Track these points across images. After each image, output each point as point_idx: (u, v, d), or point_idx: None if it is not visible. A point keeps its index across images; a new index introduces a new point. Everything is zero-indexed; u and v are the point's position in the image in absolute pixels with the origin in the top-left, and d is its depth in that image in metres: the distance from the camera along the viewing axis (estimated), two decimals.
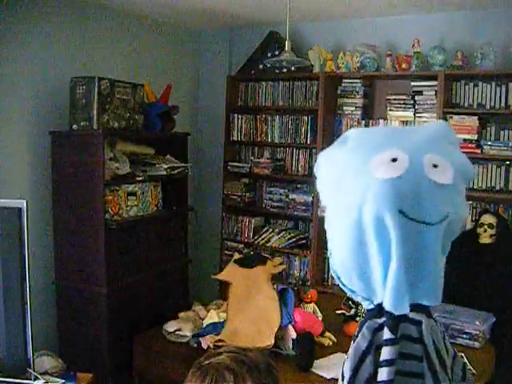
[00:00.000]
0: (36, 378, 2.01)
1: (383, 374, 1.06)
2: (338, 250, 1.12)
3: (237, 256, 3.23)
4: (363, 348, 1.09)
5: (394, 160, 1.04)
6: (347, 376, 1.09)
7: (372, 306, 1.13)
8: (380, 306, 1.10)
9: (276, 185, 4.54)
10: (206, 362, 1.15)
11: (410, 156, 1.05)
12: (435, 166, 1.06)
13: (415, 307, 1.08)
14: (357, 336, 1.12)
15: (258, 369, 1.15)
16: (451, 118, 3.68)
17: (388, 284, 1.05)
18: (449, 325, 2.70)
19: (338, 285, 1.17)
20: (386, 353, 1.07)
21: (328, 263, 4.28)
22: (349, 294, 1.17)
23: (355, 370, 1.08)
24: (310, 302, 2.86)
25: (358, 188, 1.06)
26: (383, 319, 1.10)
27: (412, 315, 1.09)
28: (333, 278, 4.27)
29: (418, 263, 1.05)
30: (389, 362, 1.06)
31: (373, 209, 1.02)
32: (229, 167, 4.67)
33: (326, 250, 4.23)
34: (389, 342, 1.07)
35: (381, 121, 4.04)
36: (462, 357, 1.25)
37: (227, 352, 1.18)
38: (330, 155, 1.18)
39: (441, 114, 3.68)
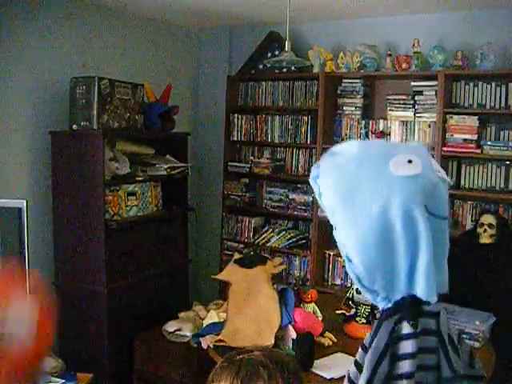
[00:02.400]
0: None
1: (405, 366, 1.09)
2: (360, 252, 1.14)
3: (237, 256, 3.23)
4: (381, 348, 1.11)
5: (410, 161, 1.13)
6: (366, 375, 1.10)
7: (389, 305, 1.15)
8: (397, 302, 1.13)
9: (276, 185, 4.54)
10: (238, 356, 1.17)
11: (420, 158, 1.15)
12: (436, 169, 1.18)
13: None
14: (374, 336, 1.13)
15: (288, 368, 1.16)
16: (451, 117, 3.68)
17: (420, 273, 1.09)
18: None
19: (350, 288, 1.20)
20: (407, 346, 1.10)
21: (328, 263, 4.28)
22: (368, 297, 1.18)
23: (374, 371, 1.10)
24: (310, 302, 2.85)
25: (380, 187, 1.11)
26: (399, 315, 1.12)
27: (429, 308, 1.12)
28: (333, 277, 4.25)
29: (435, 257, 1.11)
30: (410, 356, 1.09)
31: (401, 203, 1.08)
32: (229, 167, 4.67)
33: (326, 249, 4.22)
34: (409, 336, 1.10)
35: (381, 121, 4.04)
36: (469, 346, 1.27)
37: (258, 350, 1.20)
38: (335, 163, 1.21)
39: (441, 114, 3.68)
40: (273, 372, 1.14)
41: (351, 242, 1.15)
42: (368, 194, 1.12)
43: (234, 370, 1.14)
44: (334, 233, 1.20)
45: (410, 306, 1.12)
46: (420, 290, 1.10)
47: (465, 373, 1.18)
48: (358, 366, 1.16)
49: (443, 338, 1.13)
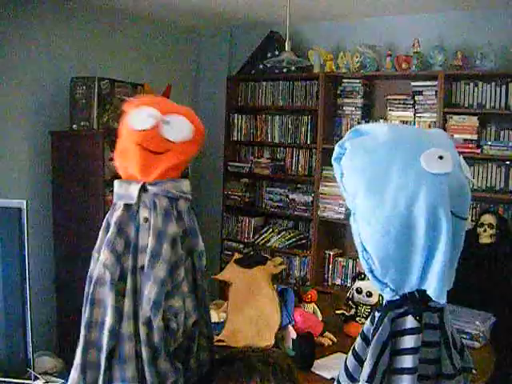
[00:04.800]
0: (36, 378, 2.01)
1: (407, 361, 1.07)
2: (377, 243, 1.11)
3: (237, 256, 3.22)
4: (384, 339, 1.10)
5: (441, 158, 1.11)
6: (368, 369, 1.09)
7: (396, 297, 1.13)
8: (404, 296, 1.12)
9: (276, 185, 4.54)
10: (232, 357, 1.17)
11: (451, 155, 1.13)
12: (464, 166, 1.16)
13: None
14: (378, 327, 1.11)
15: (281, 370, 1.17)
16: (451, 118, 3.68)
17: (435, 273, 1.08)
18: None
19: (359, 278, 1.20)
20: (409, 341, 1.09)
21: (328, 263, 4.28)
22: (377, 287, 1.15)
23: (377, 363, 1.09)
24: (310, 302, 2.85)
25: (409, 180, 1.09)
26: (403, 309, 1.11)
27: (434, 304, 1.11)
28: (333, 277, 4.22)
29: (450, 258, 1.11)
30: (413, 350, 1.08)
31: (428, 200, 1.06)
32: (229, 167, 4.67)
33: (326, 249, 4.19)
34: (413, 331, 1.09)
35: (381, 121, 4.03)
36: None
37: (252, 351, 1.20)
38: (365, 146, 1.17)
39: (441, 114, 3.68)
40: (265, 374, 1.14)
41: (370, 231, 1.11)
42: (395, 184, 1.09)
43: (227, 372, 1.14)
44: (351, 219, 1.16)
45: (417, 301, 1.10)
46: (431, 290, 1.09)
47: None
48: (357, 357, 1.14)
49: (446, 333, 1.13)
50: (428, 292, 1.09)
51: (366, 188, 1.12)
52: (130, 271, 1.48)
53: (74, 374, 1.46)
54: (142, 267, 1.48)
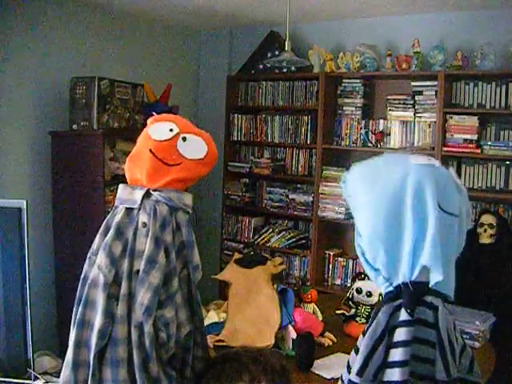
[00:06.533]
0: (36, 378, 2.01)
1: (397, 354, 1.08)
2: (368, 221, 1.16)
3: (237, 256, 3.22)
4: (378, 334, 1.10)
5: (429, 159, 1.21)
6: (359, 363, 1.09)
7: (391, 289, 1.14)
8: (399, 288, 1.13)
9: (276, 185, 4.54)
10: (223, 358, 1.17)
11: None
12: None
13: (433, 292, 1.12)
14: (372, 320, 1.13)
15: (272, 369, 1.17)
16: (451, 117, 3.68)
17: (427, 243, 1.11)
18: None
19: (362, 264, 1.23)
20: (401, 334, 1.09)
21: (328, 263, 4.28)
22: (370, 273, 1.19)
23: (369, 356, 1.09)
24: (310, 302, 2.85)
25: (398, 170, 1.17)
26: (399, 301, 1.12)
27: (430, 299, 1.11)
28: (333, 277, 4.22)
29: (443, 253, 1.13)
30: (404, 343, 1.08)
31: (415, 181, 1.13)
32: (229, 167, 4.67)
33: (326, 249, 4.20)
34: (405, 324, 1.09)
35: (381, 121, 4.03)
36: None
37: (244, 351, 1.20)
38: (362, 163, 1.27)
39: (441, 114, 3.68)
40: (255, 373, 1.14)
41: (363, 213, 1.18)
42: (386, 172, 1.18)
43: (217, 372, 1.14)
44: (354, 214, 1.23)
45: (411, 293, 1.11)
46: (426, 256, 1.10)
47: (462, 377, 1.17)
48: (357, 352, 1.15)
49: (441, 334, 1.12)
50: (423, 261, 1.10)
51: (361, 181, 1.22)
52: (126, 275, 1.48)
53: (66, 371, 1.46)
54: (138, 272, 1.48)
